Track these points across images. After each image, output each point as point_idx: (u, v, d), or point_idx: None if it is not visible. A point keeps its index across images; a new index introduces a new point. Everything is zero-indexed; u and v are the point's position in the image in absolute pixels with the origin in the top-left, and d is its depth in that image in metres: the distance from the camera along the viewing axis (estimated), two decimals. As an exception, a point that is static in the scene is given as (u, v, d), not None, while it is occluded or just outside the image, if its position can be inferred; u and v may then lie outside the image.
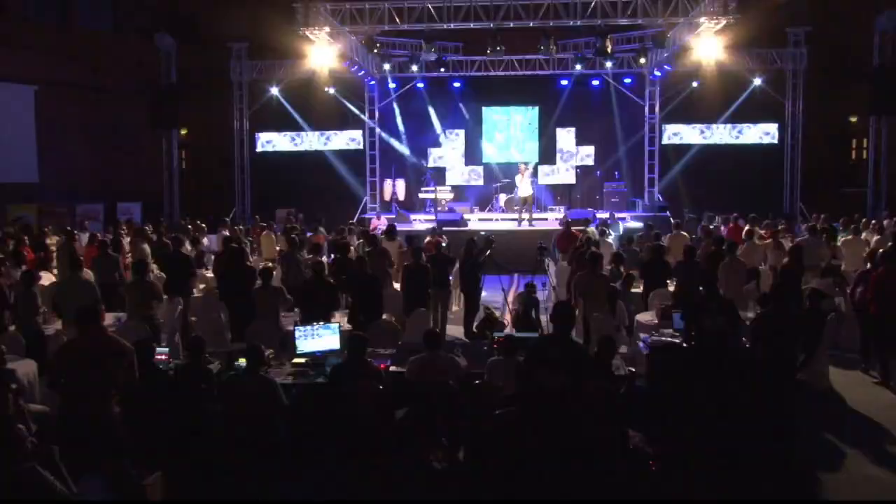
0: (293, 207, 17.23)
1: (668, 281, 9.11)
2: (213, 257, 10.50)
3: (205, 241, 12.34)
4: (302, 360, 6.28)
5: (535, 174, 17.83)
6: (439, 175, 19.24)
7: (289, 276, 9.26)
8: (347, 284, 7.91)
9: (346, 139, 19.61)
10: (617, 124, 18.79)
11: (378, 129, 19.34)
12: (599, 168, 18.79)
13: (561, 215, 15.92)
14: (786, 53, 17.68)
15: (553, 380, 4.02)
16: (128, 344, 4.68)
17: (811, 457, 5.52)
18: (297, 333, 6.41)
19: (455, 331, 9.60)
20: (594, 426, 4.05)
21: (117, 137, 18.93)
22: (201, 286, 9.69)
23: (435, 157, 19.46)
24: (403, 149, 19.25)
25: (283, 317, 7.74)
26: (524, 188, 15.95)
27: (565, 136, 19.18)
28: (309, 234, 12.33)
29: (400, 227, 14.21)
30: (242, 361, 5.61)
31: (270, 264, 10.71)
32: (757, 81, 17.75)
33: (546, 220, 16.90)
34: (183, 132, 20.17)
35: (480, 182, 19.37)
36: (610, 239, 12.45)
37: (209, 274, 10.18)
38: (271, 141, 19.75)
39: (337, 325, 6.63)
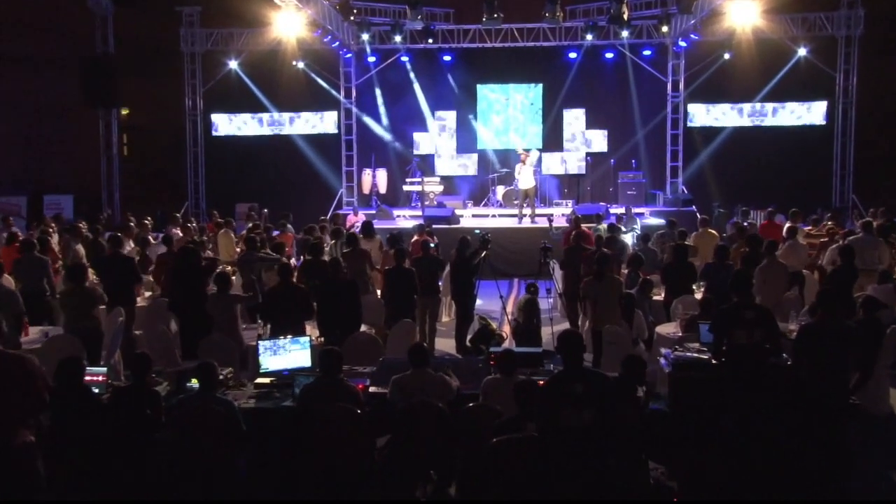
0: (256, 202, 17.20)
1: (694, 287, 9.15)
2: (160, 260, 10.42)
3: (151, 239, 12.26)
4: (266, 381, 6.26)
5: (538, 163, 17.93)
6: (426, 164, 19.27)
7: (247, 283, 9.27)
8: (320, 291, 7.89)
9: (317, 122, 19.62)
10: (634, 104, 18.91)
11: (355, 111, 19.36)
12: (613, 156, 18.89)
13: (568, 210, 16.00)
14: (837, 17, 17.64)
15: (579, 419, 4.16)
16: (35, 362, 4.62)
17: (869, 497, 5.45)
18: (260, 348, 6.39)
19: (445, 345, 9.61)
20: (615, 460, 4.14)
21: (44, 117, 18.79)
22: (147, 294, 9.66)
23: (422, 144, 19.51)
24: (385, 133, 19.28)
25: (244, 329, 7.74)
26: (525, 179, 16.00)
27: (574, 119, 19.27)
28: (275, 234, 12.32)
29: (381, 225, 14.23)
30: (195, 382, 5.59)
31: (229, 268, 10.75)
32: (802, 51, 17.83)
33: (551, 215, 16.94)
34: (124, 112, 20.10)
35: (474, 172, 19.42)
36: (626, 238, 12.50)
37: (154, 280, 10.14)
38: (229, 124, 19.76)
39: (307, 338, 6.61)
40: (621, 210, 15.54)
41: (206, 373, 5.37)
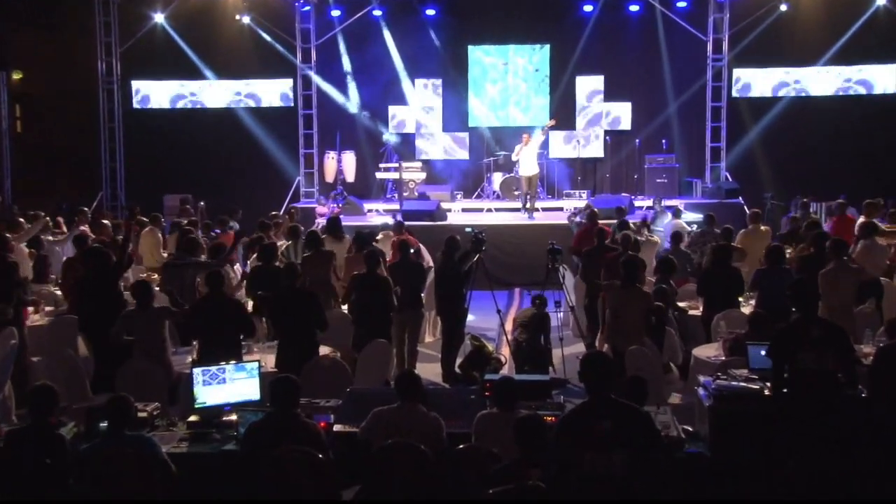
0: (189, 193, 17.14)
1: (741, 299, 9.20)
2: (63, 266, 10.37)
3: (49, 239, 12.18)
4: (202, 418, 6.23)
5: (544, 144, 18.00)
6: (405, 145, 19.32)
7: (176, 292, 9.22)
8: (271, 304, 7.88)
9: (268, 93, 19.64)
10: (665, 70, 19.02)
11: (315, 78, 19.40)
12: (639, 134, 19.00)
13: (582, 203, 16.08)
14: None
15: (607, 465, 4.16)
16: None
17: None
18: (195, 377, 6.37)
19: (429, 371, 9.65)
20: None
21: None
22: (48, 309, 9.61)
23: (399, 120, 19.53)
24: (352, 107, 19.28)
25: (174, 353, 7.73)
26: (528, 164, 16.07)
27: (589, 88, 19.37)
28: (215, 233, 12.26)
29: (348, 221, 14.23)
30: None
31: (155, 276, 10.70)
32: (881, 0, 17.99)
33: (561, 209, 17.02)
34: (15, 76, 19.95)
35: (465, 156, 19.48)
36: (656, 236, 12.56)
37: (59, 291, 10.10)
38: (155, 93, 19.73)
39: (255, 364, 6.60)
40: (649, 203, 15.66)
41: (118, 409, 5.32)
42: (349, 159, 18.87)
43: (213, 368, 6.40)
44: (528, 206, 16.24)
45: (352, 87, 19.20)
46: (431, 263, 10.79)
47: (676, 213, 13.66)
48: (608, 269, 9.30)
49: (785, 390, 5.68)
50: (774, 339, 5.86)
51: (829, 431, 5.38)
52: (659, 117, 19.06)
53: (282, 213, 15.52)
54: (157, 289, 9.21)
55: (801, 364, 5.55)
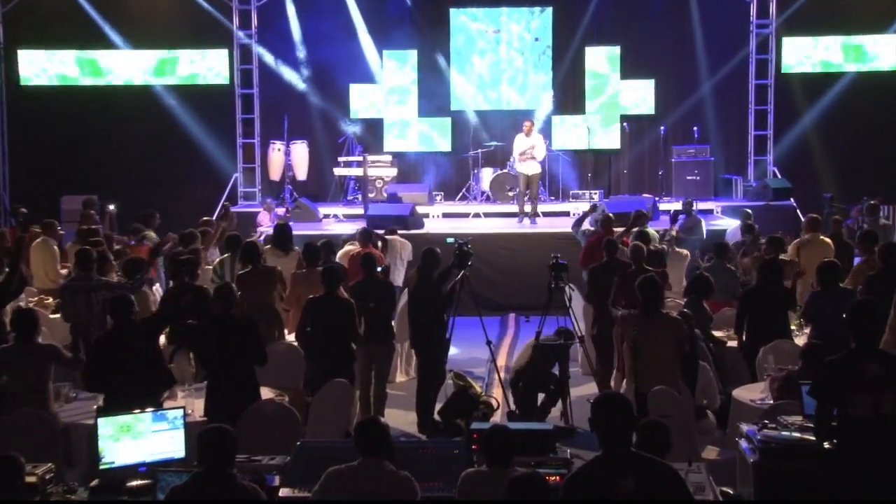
0: (95, 194, 17.06)
1: (794, 326, 9.28)
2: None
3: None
4: (109, 482, 6.19)
5: (546, 134, 18.08)
6: (372, 135, 19.36)
7: (79, 323, 9.22)
8: (198, 337, 7.86)
9: (196, 67, 19.64)
10: (697, 39, 19.18)
11: (257, 49, 19.43)
12: (664, 120, 19.14)
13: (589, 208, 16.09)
14: None
15: None
16: None
17: None
18: (100, 430, 6.33)
19: (401, 419, 9.67)
20: None
21: None
22: None
23: (364, 102, 19.58)
24: (304, 85, 19.30)
25: (75, 399, 7.68)
26: (531, 160, 16.08)
27: (602, 62, 19.48)
28: (129, 244, 12.20)
29: (299, 230, 14.19)
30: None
31: (49, 300, 10.63)
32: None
33: (567, 214, 17.07)
34: None
35: (447, 147, 19.55)
36: (685, 249, 12.62)
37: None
38: (48, 66, 19.66)
39: (179, 412, 6.58)
40: (677, 206, 15.70)
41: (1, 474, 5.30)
42: (300, 151, 18.88)
43: (125, 418, 6.37)
44: (526, 210, 16.28)
45: (303, 60, 19.23)
46: (400, 283, 10.79)
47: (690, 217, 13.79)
48: (622, 293, 9.35)
49: (834, 440, 5.72)
50: (820, 375, 5.90)
51: (889, 494, 5.40)
52: (689, 99, 19.22)
53: (214, 218, 15.46)
54: (56, 316, 9.17)
55: (853, 408, 5.58)
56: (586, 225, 13.14)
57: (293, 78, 19.30)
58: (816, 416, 5.83)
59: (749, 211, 14.23)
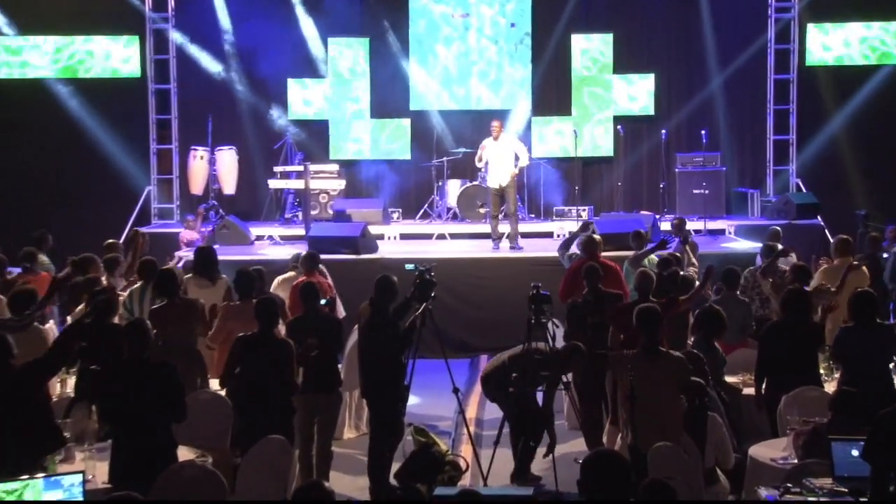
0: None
1: (822, 369, 9.30)
2: None
3: None
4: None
5: (524, 137, 18.13)
6: (315, 139, 19.42)
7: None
8: (102, 385, 7.77)
9: (101, 56, 19.54)
10: (705, 26, 19.35)
11: (175, 36, 19.41)
12: (666, 123, 19.29)
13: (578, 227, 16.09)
14: None
15: None
16: None
17: None
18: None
19: (349, 484, 9.64)
20: None
21: None
22: None
23: (305, 101, 19.62)
24: (231, 80, 19.27)
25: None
26: (500, 168, 15.97)
27: (592, 52, 19.61)
28: (13, 272, 12.11)
29: (227, 254, 14.10)
30: None
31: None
32: None
33: (550, 235, 17.16)
34: None
35: (406, 155, 19.60)
36: (692, 271, 12.63)
37: None
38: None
39: (78, 477, 6.50)
40: (687, 227, 15.66)
41: None
42: (227, 160, 18.81)
43: (10, 486, 6.26)
44: (501, 230, 16.20)
45: (231, 51, 19.19)
46: (342, 314, 10.73)
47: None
48: (617, 327, 9.35)
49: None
50: (875, 434, 5.89)
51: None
52: (696, 97, 19.42)
53: (122, 241, 15.37)
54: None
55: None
56: (574, 248, 13.07)
57: (218, 71, 19.27)
58: (872, 481, 5.84)
59: (778, 229, 14.14)
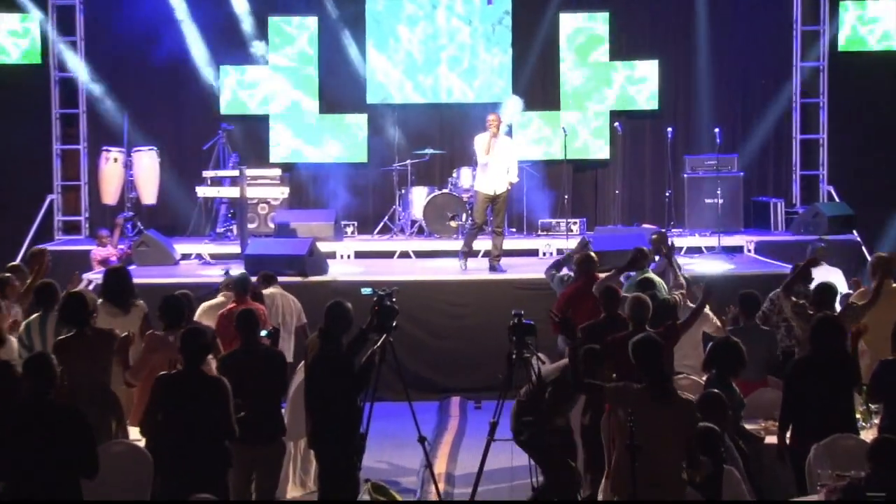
0: None
1: (859, 415, 9.35)
2: None
3: None
4: None
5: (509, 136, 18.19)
6: (252, 139, 19.50)
7: None
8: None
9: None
10: (718, 4, 19.48)
11: (82, 16, 19.39)
12: (672, 120, 19.42)
13: (571, 243, 16.16)
14: None
15: None
16: None
17: None
18: None
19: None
20: None
21: None
22: None
23: (241, 92, 19.68)
24: (151, 66, 19.23)
25: None
26: (498, 172, 15.86)
27: (584, 35, 19.70)
28: None
29: (144, 277, 14.05)
30: None
31: None
32: None
33: (535, 253, 17.24)
34: None
35: (362, 157, 19.67)
36: (680, 292, 12.67)
37: None
38: None
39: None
40: (694, 240, 15.75)
41: None
42: (146, 163, 18.76)
43: None
44: (476, 248, 16.19)
45: (152, 30, 19.05)
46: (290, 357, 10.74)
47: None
48: (613, 360, 9.38)
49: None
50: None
51: None
52: (708, 88, 19.50)
53: (19, 260, 15.32)
54: None
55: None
56: (566, 270, 13.06)
57: (136, 56, 19.25)
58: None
59: (823, 245, 14.23)
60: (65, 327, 9.97)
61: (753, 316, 11.27)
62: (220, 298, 11.89)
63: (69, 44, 19.33)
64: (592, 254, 12.41)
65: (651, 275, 12.15)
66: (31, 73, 19.44)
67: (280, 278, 14.27)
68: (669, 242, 13.91)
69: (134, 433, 9.51)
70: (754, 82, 19.52)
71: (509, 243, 17.45)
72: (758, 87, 19.58)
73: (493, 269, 15.97)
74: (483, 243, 16.52)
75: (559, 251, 15.52)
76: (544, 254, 16.66)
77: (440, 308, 15.22)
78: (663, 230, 16.75)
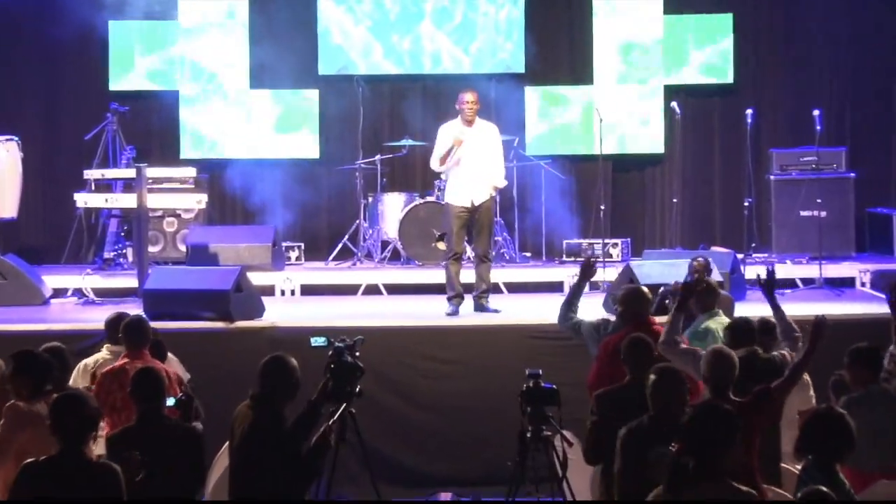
0: None
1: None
2: None
3: None
4: None
5: (514, 128, 18.28)
6: (157, 124, 19.89)
7: None
8: None
9: None
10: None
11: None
12: (752, 97, 19.66)
13: (610, 276, 16.29)
14: None
15: None
16: None
17: None
18: None
19: None
20: None
21: None
22: None
23: (140, 54, 19.92)
24: (10, 21, 19.32)
25: None
26: (474, 174, 15.99)
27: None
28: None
29: (1, 324, 14.10)
30: None
31: None
32: None
33: (558, 287, 17.23)
34: None
35: (313, 152, 20.01)
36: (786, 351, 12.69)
37: None
38: None
39: None
40: (780, 267, 15.86)
41: None
42: (4, 159, 18.77)
43: None
44: (464, 283, 16.14)
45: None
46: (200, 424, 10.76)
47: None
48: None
49: None
50: None
51: None
52: (801, 56, 19.84)
53: None
54: None
55: None
56: (606, 312, 13.06)
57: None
58: None
59: None
60: None
61: (876, 378, 11.22)
62: (104, 353, 11.83)
63: None
64: (644, 289, 12.32)
65: (741, 319, 12.14)
66: None
67: (195, 324, 14.29)
68: (767, 273, 13.89)
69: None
70: (865, 51, 19.57)
71: (522, 273, 17.56)
72: (870, 57, 19.63)
73: (480, 308, 15.94)
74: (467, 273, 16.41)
75: (607, 285, 15.44)
76: (564, 282, 16.62)
77: (422, 365, 15.09)
78: (734, 252, 16.88)
